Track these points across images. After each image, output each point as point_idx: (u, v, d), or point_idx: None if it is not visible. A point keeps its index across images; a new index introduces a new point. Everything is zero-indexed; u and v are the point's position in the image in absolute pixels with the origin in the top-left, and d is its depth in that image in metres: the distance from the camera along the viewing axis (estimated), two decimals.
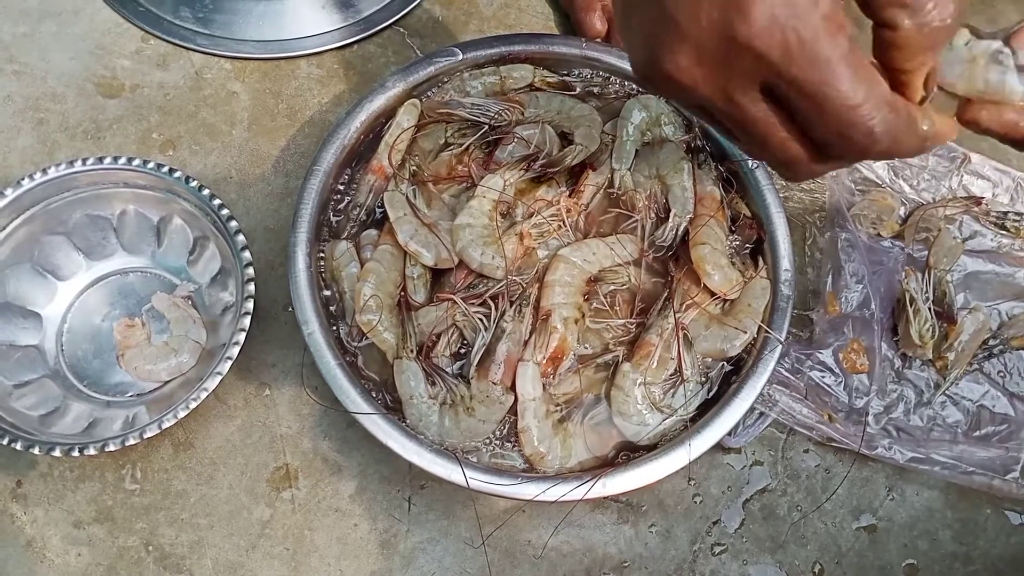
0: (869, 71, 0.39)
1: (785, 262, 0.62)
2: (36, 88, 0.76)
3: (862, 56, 0.38)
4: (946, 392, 0.69)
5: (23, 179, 0.64)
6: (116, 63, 0.77)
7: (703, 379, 0.62)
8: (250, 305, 0.61)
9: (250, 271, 0.62)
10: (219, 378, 0.60)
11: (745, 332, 0.61)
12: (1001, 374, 0.71)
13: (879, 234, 0.73)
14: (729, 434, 0.62)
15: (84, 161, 0.65)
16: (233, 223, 0.64)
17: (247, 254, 0.63)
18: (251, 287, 0.62)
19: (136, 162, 0.65)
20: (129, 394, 0.66)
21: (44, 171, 0.64)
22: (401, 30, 0.79)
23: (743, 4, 0.36)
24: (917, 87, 0.42)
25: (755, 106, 0.40)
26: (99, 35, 0.78)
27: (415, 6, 0.79)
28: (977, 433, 0.68)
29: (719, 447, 0.65)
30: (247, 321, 0.61)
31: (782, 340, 0.60)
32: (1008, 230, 0.74)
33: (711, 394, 0.62)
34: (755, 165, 0.64)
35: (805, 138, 0.41)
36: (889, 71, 0.41)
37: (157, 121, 0.75)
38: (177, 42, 0.77)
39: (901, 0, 0.38)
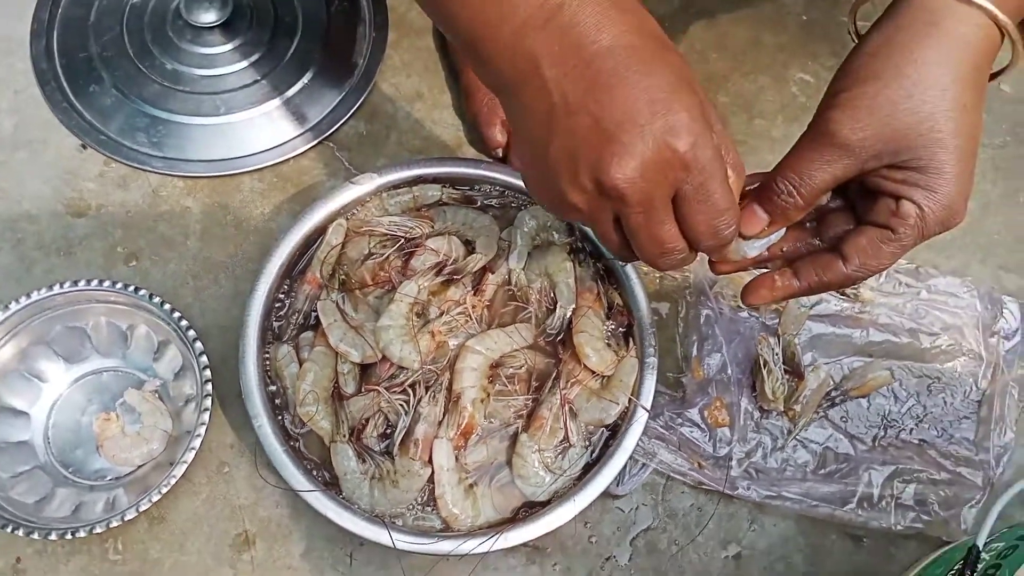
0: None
1: (649, 344, 0.76)
2: (13, 210, 0.87)
3: None
4: (796, 437, 0.82)
5: (10, 303, 0.76)
6: (82, 185, 0.89)
7: (587, 443, 0.75)
8: (208, 403, 0.74)
9: (207, 373, 0.75)
10: (185, 466, 0.72)
11: (618, 404, 0.74)
12: (843, 419, 0.84)
13: (739, 306, 0.87)
14: (616, 483, 0.76)
15: (61, 285, 0.77)
16: (191, 332, 0.76)
17: (204, 358, 0.75)
18: (208, 387, 0.74)
19: (106, 283, 0.77)
20: (108, 478, 0.78)
21: (28, 295, 0.76)
22: (331, 145, 0.91)
23: (678, 130, 0.49)
24: None
25: (666, 208, 0.53)
26: (66, 161, 0.89)
27: (343, 123, 0.92)
28: (823, 471, 0.82)
29: (608, 495, 0.78)
30: (207, 416, 0.73)
31: (648, 409, 0.74)
32: (848, 295, 0.88)
33: (593, 456, 0.75)
34: (623, 265, 0.78)
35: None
36: None
37: (121, 236, 0.87)
38: (135, 165, 0.89)
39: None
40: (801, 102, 0.96)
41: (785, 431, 0.83)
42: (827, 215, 0.62)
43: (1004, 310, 0.88)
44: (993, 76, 0.57)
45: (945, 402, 0.85)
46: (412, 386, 0.74)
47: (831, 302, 0.88)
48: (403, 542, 0.69)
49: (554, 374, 0.76)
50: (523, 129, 0.55)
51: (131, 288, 0.77)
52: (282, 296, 0.79)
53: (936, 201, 0.55)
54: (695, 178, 0.51)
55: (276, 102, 0.92)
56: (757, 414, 0.84)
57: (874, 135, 0.54)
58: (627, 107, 0.50)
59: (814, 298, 0.88)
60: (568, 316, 0.78)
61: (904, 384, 0.85)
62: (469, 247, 0.80)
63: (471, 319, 0.77)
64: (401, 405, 0.73)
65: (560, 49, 0.51)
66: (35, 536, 0.70)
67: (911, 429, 0.84)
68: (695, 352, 0.83)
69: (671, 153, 0.50)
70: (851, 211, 0.61)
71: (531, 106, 0.53)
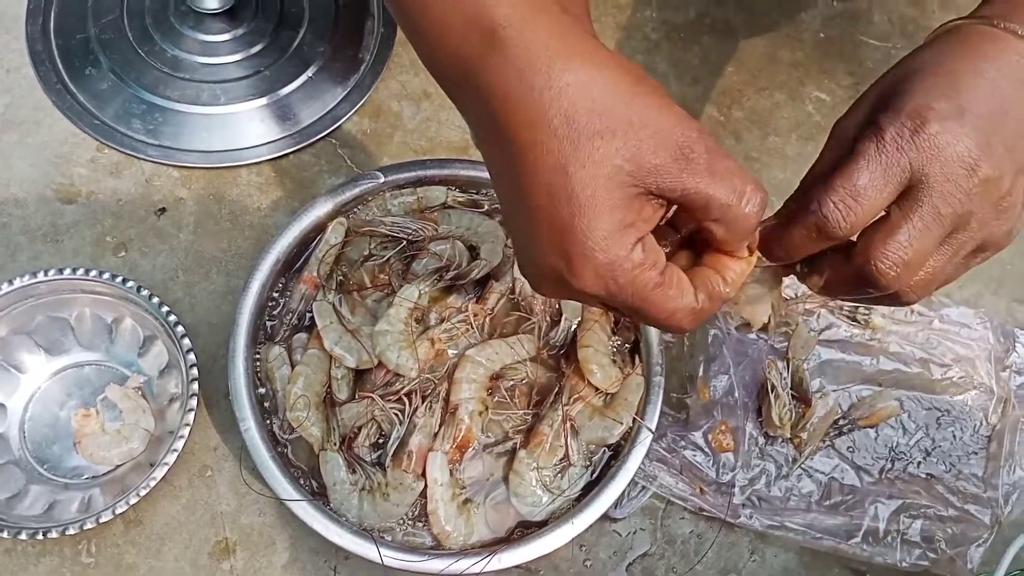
0: (673, 289, 0.48)
1: (656, 361, 0.73)
2: (0, 194, 0.84)
3: (672, 276, 0.48)
4: (802, 466, 0.80)
5: None
6: (73, 171, 0.85)
7: (587, 463, 0.72)
8: (194, 403, 0.70)
9: (194, 371, 0.71)
10: (166, 468, 0.69)
11: (622, 423, 0.71)
12: (850, 449, 0.82)
13: (748, 326, 0.84)
14: (615, 506, 0.73)
15: (46, 272, 0.73)
16: (180, 328, 0.73)
17: (192, 356, 0.72)
18: (195, 386, 0.71)
19: (92, 273, 0.74)
20: (84, 477, 0.74)
21: (10, 282, 0.73)
22: (333, 141, 0.89)
23: (573, 266, 0.45)
24: (744, 254, 0.53)
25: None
26: (57, 145, 0.86)
27: (346, 120, 0.89)
28: (828, 502, 0.79)
29: (606, 517, 0.75)
30: (191, 417, 0.70)
31: (652, 430, 0.71)
32: (858, 322, 0.85)
33: (594, 476, 0.72)
34: None
35: None
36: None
37: (111, 225, 0.83)
38: (129, 152, 0.86)
39: (715, 219, 0.48)
40: (816, 120, 0.94)
41: (790, 459, 0.81)
42: None
43: (1017, 344, 0.86)
44: None
45: (954, 436, 0.83)
46: (408, 395, 0.71)
47: (841, 327, 0.86)
48: (391, 558, 0.65)
49: (556, 389, 0.73)
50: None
51: (118, 279, 0.74)
52: (276, 295, 0.76)
53: None
54: (613, 302, 0.47)
55: (278, 95, 0.89)
56: (762, 440, 0.81)
57: None
58: (531, 222, 0.45)
59: (824, 323, 0.85)
60: (573, 329, 0.75)
61: (913, 416, 0.83)
62: (473, 253, 0.77)
63: (472, 328, 0.74)
64: (396, 414, 0.70)
65: (482, 96, 0.45)
66: (4, 535, 0.66)
67: (919, 463, 0.82)
68: (701, 373, 0.81)
69: (569, 291, 0.47)
70: None
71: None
